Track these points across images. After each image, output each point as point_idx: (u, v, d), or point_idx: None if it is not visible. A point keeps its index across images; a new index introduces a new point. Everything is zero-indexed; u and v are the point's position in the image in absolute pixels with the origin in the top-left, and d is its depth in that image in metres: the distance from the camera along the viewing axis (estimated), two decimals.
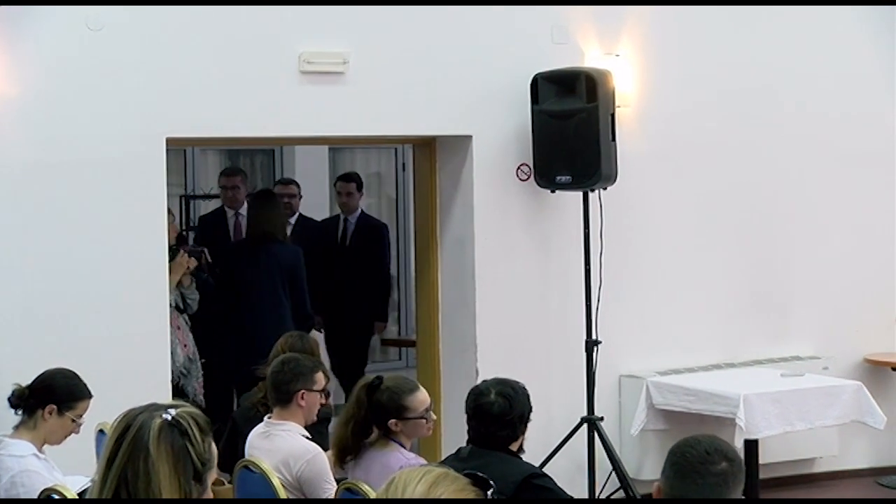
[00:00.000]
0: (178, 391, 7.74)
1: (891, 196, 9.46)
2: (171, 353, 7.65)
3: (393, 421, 5.22)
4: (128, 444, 3.07)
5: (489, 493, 2.87)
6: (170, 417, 3.08)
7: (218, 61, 7.51)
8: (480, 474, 2.87)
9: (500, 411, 4.67)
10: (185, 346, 7.90)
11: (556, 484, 4.71)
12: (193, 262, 7.97)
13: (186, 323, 8.02)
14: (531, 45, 8.22)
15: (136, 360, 7.22)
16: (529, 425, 4.95)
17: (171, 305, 7.68)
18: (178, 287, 7.88)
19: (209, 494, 3.16)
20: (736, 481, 3.39)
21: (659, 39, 8.64)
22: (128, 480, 3.05)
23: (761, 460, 8.32)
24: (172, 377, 7.66)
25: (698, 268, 8.82)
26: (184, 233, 9.75)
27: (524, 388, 4.86)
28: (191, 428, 3.09)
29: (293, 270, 8.65)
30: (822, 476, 9.14)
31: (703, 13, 8.75)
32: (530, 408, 4.81)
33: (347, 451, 5.28)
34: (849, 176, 9.30)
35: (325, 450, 5.64)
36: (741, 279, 8.95)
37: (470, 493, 2.84)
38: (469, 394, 4.86)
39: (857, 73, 9.35)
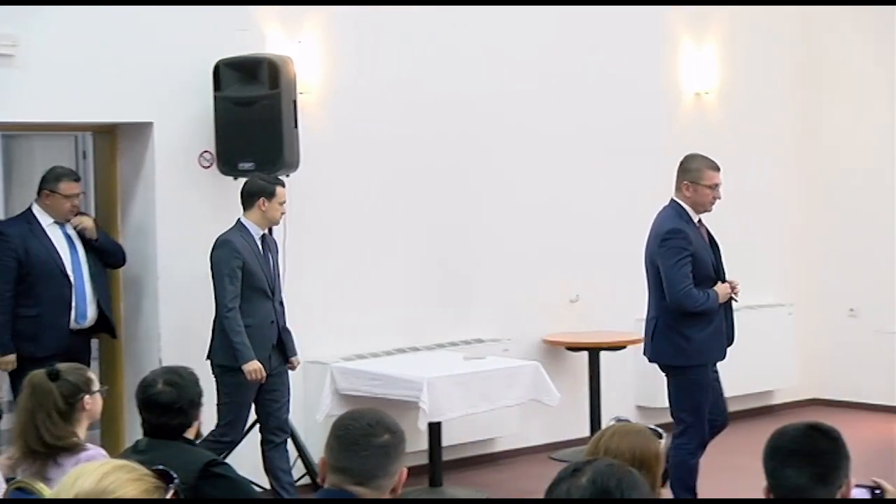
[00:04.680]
0: None
1: (570, 178, 9.81)
2: None
3: None
4: None
5: (172, 484, 2.85)
6: None
7: None
8: (162, 467, 2.85)
9: (168, 400, 4.61)
10: None
11: (235, 472, 4.70)
12: None
13: None
14: (213, 31, 8.15)
15: None
16: None
17: None
18: None
19: None
20: (398, 452, 3.53)
21: (341, 25, 8.70)
22: None
23: (445, 442, 8.52)
24: None
25: (382, 253, 8.94)
26: None
27: (192, 373, 4.81)
28: None
29: None
30: (502, 454, 9.42)
31: None
32: (200, 393, 4.76)
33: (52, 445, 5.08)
34: (531, 159, 9.60)
35: None
36: (425, 264, 9.12)
37: (146, 483, 2.82)
38: (138, 386, 4.79)
39: (551, 55, 9.67)
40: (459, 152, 9.25)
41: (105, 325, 7.97)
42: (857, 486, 3.68)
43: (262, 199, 7.60)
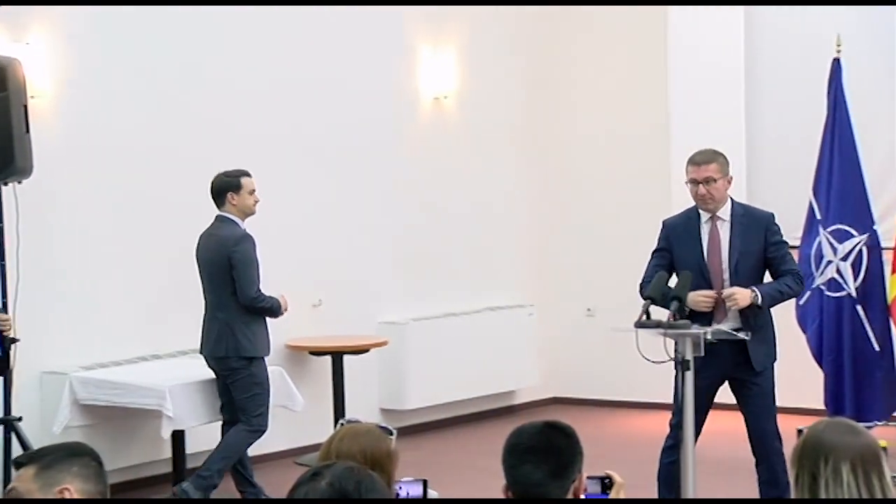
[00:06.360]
0: None
1: (308, 183, 9.82)
2: None
3: None
4: None
5: None
6: None
7: None
8: None
9: None
10: None
11: None
12: None
13: None
14: None
15: None
16: None
17: None
18: None
19: None
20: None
21: (71, 27, 8.50)
22: None
23: (189, 449, 8.44)
24: None
25: (120, 260, 8.77)
26: None
27: None
28: None
29: None
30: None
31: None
32: None
33: None
34: (268, 164, 9.52)
35: None
36: (163, 270, 8.97)
37: None
38: None
39: (287, 59, 9.65)
40: (193, 157, 9.11)
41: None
42: (589, 477, 3.81)
43: (230, 194, 7.95)
